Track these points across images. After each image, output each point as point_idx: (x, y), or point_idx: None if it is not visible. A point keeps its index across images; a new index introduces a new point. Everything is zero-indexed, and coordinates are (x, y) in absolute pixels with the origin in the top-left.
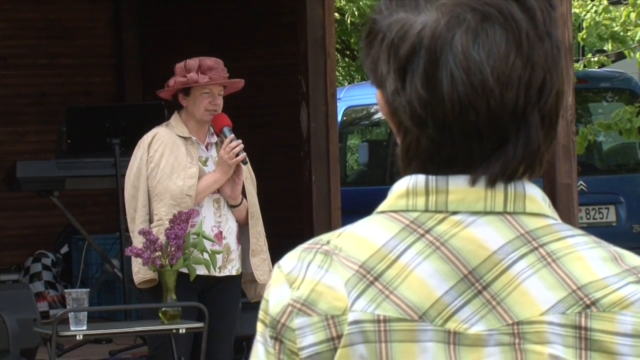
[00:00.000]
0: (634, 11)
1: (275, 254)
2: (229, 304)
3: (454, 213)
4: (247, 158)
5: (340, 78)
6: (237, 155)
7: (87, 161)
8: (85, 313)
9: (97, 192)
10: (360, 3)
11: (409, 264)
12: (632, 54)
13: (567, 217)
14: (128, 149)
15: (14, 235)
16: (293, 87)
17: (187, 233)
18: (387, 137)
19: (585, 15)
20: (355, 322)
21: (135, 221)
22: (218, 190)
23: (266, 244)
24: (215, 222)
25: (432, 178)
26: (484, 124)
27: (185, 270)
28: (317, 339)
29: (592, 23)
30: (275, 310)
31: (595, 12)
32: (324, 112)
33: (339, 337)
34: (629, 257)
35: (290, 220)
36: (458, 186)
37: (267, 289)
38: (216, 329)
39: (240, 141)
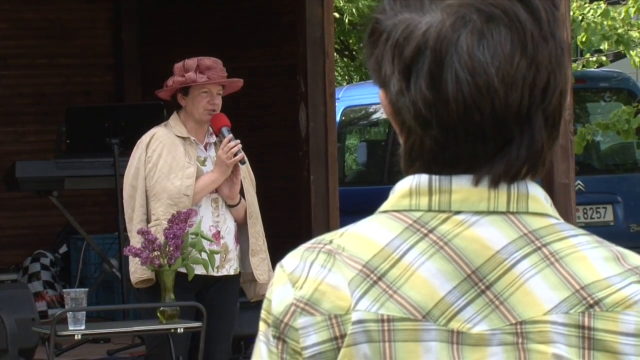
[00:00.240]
0: (633, 6)
1: (274, 254)
2: (227, 304)
3: (457, 213)
4: (245, 158)
5: (339, 78)
6: (235, 155)
7: (86, 161)
8: (84, 313)
9: (96, 192)
10: (359, 3)
11: (412, 263)
12: (631, 52)
13: (565, 216)
14: (127, 149)
15: (12, 235)
16: (292, 87)
17: (185, 233)
18: (386, 137)
19: (582, 17)
20: (359, 321)
21: (133, 221)
22: (216, 190)
23: (265, 243)
24: (213, 222)
25: (435, 178)
26: (489, 124)
27: (183, 270)
28: (320, 338)
29: (592, 25)
30: (278, 309)
31: (594, 14)
32: (323, 112)
33: (342, 336)
34: (631, 256)
35: (289, 220)
36: (461, 186)
37: (269, 288)
38: (214, 328)
39: (238, 141)
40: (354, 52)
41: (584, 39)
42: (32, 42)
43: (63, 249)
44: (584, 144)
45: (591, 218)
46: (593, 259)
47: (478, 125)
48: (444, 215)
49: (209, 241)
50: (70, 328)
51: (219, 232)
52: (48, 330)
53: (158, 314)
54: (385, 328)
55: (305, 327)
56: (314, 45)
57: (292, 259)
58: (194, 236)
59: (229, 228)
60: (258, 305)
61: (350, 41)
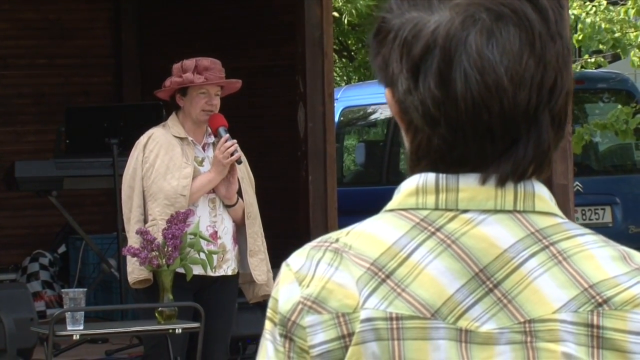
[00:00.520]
0: (633, 7)
1: (273, 254)
2: (225, 304)
3: (464, 211)
4: (242, 158)
5: (338, 78)
6: (231, 154)
7: (85, 161)
8: (82, 313)
9: (95, 192)
10: (358, 4)
11: (420, 261)
12: (627, 53)
13: None
14: (126, 149)
15: (11, 234)
16: (291, 88)
17: (184, 233)
18: (384, 137)
19: (584, 16)
20: (368, 319)
21: (131, 221)
22: (213, 190)
23: (264, 244)
24: (211, 222)
25: (442, 176)
26: (497, 123)
27: (181, 270)
28: (328, 336)
29: (592, 27)
30: (285, 308)
31: (595, 12)
32: (321, 113)
33: (350, 335)
34: (637, 256)
35: (287, 220)
36: (468, 185)
37: (275, 287)
38: (212, 329)
39: (235, 141)
40: (352, 53)
41: (580, 37)
42: (32, 42)
43: (62, 248)
44: (582, 144)
45: (589, 219)
46: (600, 257)
47: (486, 125)
48: (451, 214)
49: (207, 241)
50: (69, 328)
51: (216, 232)
52: (46, 330)
53: (156, 314)
54: (394, 326)
55: (313, 326)
56: (313, 45)
57: (299, 258)
58: (192, 236)
59: (226, 228)
60: (256, 306)
61: (349, 41)
